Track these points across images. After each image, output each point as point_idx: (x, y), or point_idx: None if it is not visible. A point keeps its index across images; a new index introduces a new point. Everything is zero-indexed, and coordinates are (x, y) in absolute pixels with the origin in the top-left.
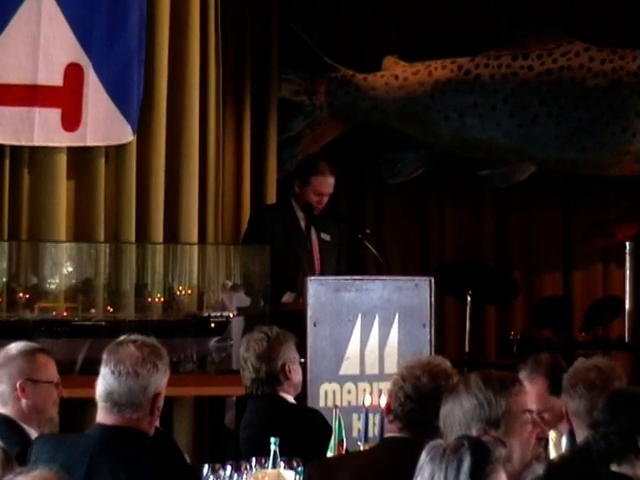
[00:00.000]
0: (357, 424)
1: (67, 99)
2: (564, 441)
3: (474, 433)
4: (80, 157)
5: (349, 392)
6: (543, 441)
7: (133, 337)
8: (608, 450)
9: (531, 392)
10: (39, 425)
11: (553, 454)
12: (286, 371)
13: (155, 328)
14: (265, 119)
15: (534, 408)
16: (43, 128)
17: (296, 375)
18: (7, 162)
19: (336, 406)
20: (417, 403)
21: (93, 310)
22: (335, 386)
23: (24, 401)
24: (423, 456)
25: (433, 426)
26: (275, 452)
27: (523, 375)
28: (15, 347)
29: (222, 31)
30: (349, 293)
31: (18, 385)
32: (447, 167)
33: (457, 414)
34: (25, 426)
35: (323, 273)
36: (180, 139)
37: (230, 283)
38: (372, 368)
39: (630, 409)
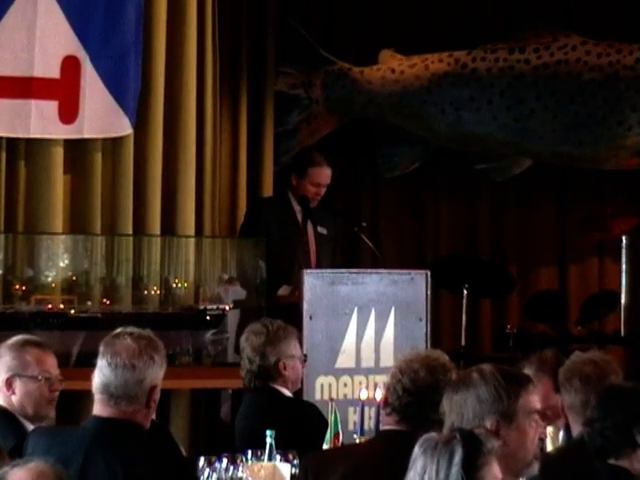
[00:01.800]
0: (353, 417)
1: (64, 91)
2: (561, 435)
3: (487, 425)
4: (77, 149)
5: (345, 385)
6: (540, 442)
7: (129, 329)
8: (605, 446)
9: (537, 391)
10: (32, 421)
11: (550, 449)
12: (280, 367)
13: (151, 321)
14: (261, 112)
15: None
16: (40, 120)
17: (293, 372)
18: (3, 154)
19: (332, 399)
20: (415, 397)
21: (89, 302)
22: (331, 379)
23: (13, 397)
24: (416, 449)
25: (430, 420)
26: (271, 445)
27: (528, 374)
28: (8, 341)
29: (219, 24)
30: (345, 286)
31: (4, 381)
32: (443, 161)
33: (472, 403)
34: (22, 419)
35: (319, 266)
36: (177, 132)
37: (226, 276)
38: (368, 361)
39: (624, 403)
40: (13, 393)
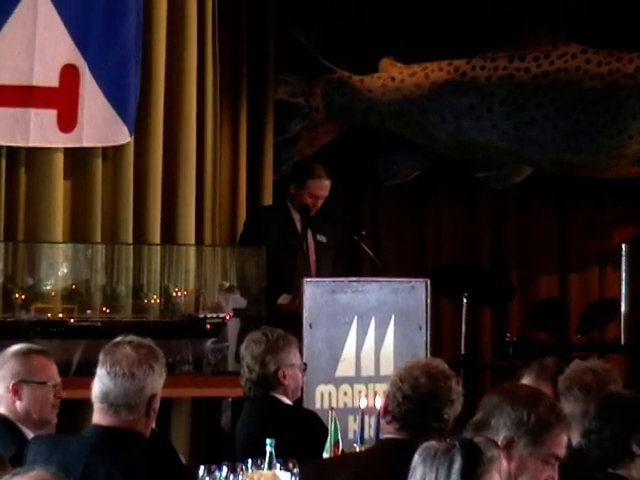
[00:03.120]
0: (353, 426)
1: (63, 100)
2: None
3: (500, 436)
4: (77, 158)
5: (345, 394)
6: None
7: (129, 338)
8: (602, 456)
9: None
10: (36, 427)
11: None
12: (280, 376)
13: (151, 329)
14: (262, 120)
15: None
16: (39, 129)
17: (293, 381)
18: (3, 162)
19: (332, 408)
20: (415, 404)
21: (89, 311)
22: (331, 388)
23: (18, 403)
24: (415, 457)
25: (431, 427)
26: (271, 453)
27: (528, 381)
28: (11, 348)
29: (219, 32)
30: (345, 295)
31: (11, 387)
32: (443, 169)
33: (500, 411)
34: (22, 427)
35: (319, 274)
36: (177, 141)
37: (226, 284)
38: (368, 370)
39: (621, 413)
40: (19, 399)
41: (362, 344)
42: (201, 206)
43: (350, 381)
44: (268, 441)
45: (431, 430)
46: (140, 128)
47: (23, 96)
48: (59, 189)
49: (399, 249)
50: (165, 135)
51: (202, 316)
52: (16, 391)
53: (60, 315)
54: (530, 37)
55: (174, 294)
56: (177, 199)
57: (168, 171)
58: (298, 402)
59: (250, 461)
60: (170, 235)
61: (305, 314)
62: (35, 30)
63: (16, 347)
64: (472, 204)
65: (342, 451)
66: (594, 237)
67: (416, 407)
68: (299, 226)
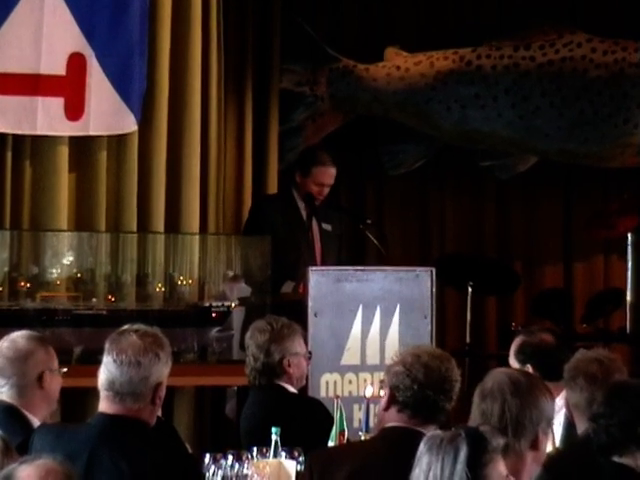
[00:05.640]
0: (358, 414)
1: (70, 88)
2: (559, 431)
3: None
4: (82, 147)
5: (350, 382)
6: None
7: (136, 326)
8: (609, 442)
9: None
10: (45, 414)
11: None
12: (284, 365)
13: (156, 318)
14: (266, 110)
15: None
16: (46, 117)
17: (297, 369)
18: (9, 153)
19: (337, 396)
20: (430, 389)
21: (94, 299)
22: (336, 376)
23: (41, 391)
24: (421, 446)
25: (436, 415)
26: (276, 442)
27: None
28: (26, 337)
29: (224, 21)
30: (350, 284)
31: (42, 375)
32: (448, 158)
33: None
34: (29, 415)
35: (324, 263)
36: (182, 129)
37: (231, 273)
38: (373, 358)
39: (630, 401)
40: (45, 387)
41: (367, 333)
42: (206, 195)
43: (355, 370)
44: (274, 430)
45: (436, 417)
46: (144, 117)
47: (30, 84)
48: (64, 178)
49: (404, 238)
50: (169, 124)
51: (207, 305)
52: (45, 380)
53: (65, 303)
54: (536, 25)
55: (179, 283)
56: (181, 188)
57: (172, 160)
58: (303, 391)
59: (255, 450)
60: (174, 224)
61: (310, 303)
62: (42, 18)
63: (31, 336)
64: (477, 193)
65: (347, 440)
66: (599, 226)
67: (428, 393)
68: (304, 215)
